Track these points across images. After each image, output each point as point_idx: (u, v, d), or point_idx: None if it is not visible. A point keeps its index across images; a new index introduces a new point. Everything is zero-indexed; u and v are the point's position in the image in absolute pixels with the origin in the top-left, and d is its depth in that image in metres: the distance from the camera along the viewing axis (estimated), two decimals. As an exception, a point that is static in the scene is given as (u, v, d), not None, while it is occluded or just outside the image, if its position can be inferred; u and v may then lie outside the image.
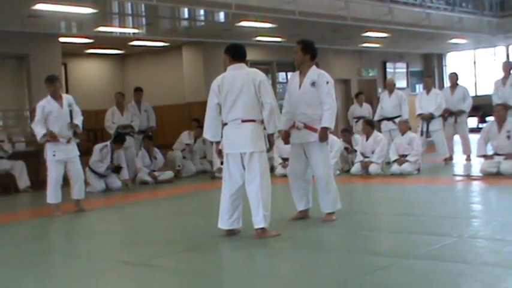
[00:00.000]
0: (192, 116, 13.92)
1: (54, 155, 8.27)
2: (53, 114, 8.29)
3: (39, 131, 8.25)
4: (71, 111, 8.45)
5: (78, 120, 8.56)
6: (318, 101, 6.59)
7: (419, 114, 12.23)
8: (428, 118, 12.04)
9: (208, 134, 6.29)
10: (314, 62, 6.77)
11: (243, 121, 6.02)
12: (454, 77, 12.61)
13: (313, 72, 6.66)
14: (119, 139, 11.48)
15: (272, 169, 10.16)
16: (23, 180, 11.37)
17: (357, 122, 14.35)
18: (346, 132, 12.26)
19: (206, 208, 8.75)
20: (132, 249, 6.15)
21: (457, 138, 12.90)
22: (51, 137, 8.20)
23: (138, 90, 13.04)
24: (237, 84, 6.04)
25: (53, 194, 8.24)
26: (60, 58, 13.18)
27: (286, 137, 6.81)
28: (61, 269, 5.49)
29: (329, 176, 6.70)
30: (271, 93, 6.04)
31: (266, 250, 5.67)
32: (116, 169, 11.13)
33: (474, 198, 8.29)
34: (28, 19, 11.30)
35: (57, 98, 8.39)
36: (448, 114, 12.33)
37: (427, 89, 12.39)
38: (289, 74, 18.25)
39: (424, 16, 16.30)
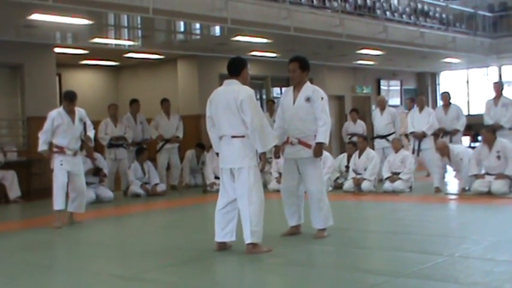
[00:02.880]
0: (186, 129, 13.87)
1: (61, 164, 8.23)
2: (62, 128, 8.25)
3: (41, 143, 8.25)
4: (84, 124, 8.46)
5: (91, 133, 8.64)
6: (312, 116, 6.60)
7: (412, 133, 12.26)
8: (420, 136, 12.07)
9: (213, 146, 6.37)
10: (308, 78, 6.80)
11: (233, 137, 6.03)
12: (446, 96, 12.64)
13: (308, 88, 6.68)
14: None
15: (265, 184, 10.16)
16: (14, 191, 11.30)
17: (350, 138, 14.36)
18: (353, 146, 11.99)
19: (198, 222, 8.73)
20: (123, 262, 6.13)
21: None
22: (59, 149, 8.17)
23: (135, 102, 13.01)
24: (223, 100, 6.05)
25: (58, 200, 8.13)
26: (54, 68, 13.17)
27: (277, 152, 6.82)
28: (48, 281, 5.44)
29: (322, 193, 6.70)
30: (254, 111, 5.93)
31: (257, 265, 5.65)
32: (96, 171, 11.03)
33: (465, 217, 8.30)
34: (23, 29, 11.30)
35: (70, 112, 8.35)
36: (443, 133, 12.33)
37: (420, 107, 12.43)
38: (284, 90, 18.31)
39: (418, 35, 16.42)
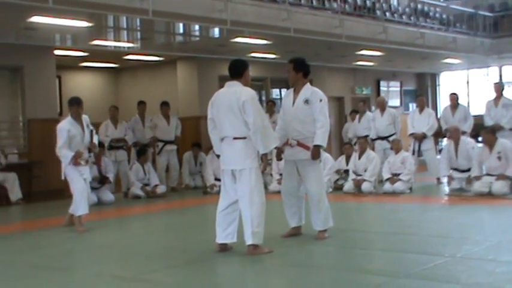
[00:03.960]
0: (185, 130, 13.89)
1: (82, 174, 8.16)
2: (76, 139, 8.15)
3: (67, 154, 8.03)
4: (91, 132, 8.41)
5: (96, 139, 8.61)
6: (311, 118, 6.61)
7: (412, 134, 12.25)
8: (420, 137, 12.06)
9: (214, 148, 6.40)
10: (307, 79, 6.81)
11: (234, 138, 6.04)
12: (454, 97, 12.44)
13: (307, 90, 6.69)
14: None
15: (266, 186, 10.16)
16: (15, 193, 11.31)
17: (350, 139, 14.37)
18: (348, 145, 12.15)
19: (199, 223, 8.74)
20: (124, 263, 6.13)
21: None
22: (78, 157, 8.14)
23: (142, 104, 13.05)
24: (225, 102, 6.06)
25: (82, 206, 8.08)
26: (54, 71, 13.18)
27: (279, 154, 6.83)
28: (49, 283, 5.44)
29: (321, 194, 6.70)
30: (256, 113, 5.95)
31: (259, 267, 5.65)
32: (103, 180, 11.09)
33: (466, 218, 8.28)
34: (23, 31, 11.30)
35: (78, 120, 8.29)
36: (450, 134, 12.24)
37: (420, 108, 12.41)
38: (283, 91, 18.33)
39: (418, 35, 16.42)
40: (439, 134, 12.73)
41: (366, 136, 12.47)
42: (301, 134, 6.63)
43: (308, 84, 6.77)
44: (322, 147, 6.63)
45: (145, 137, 12.73)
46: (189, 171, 13.38)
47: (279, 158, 6.93)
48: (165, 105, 13.06)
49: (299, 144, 6.62)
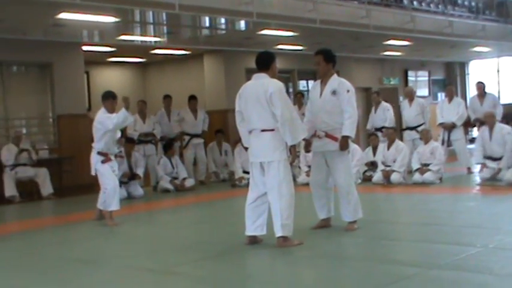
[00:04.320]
0: (212, 123, 13.93)
1: (113, 171, 8.22)
2: (109, 132, 8.17)
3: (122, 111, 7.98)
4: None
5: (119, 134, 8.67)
6: (338, 109, 6.57)
7: (441, 123, 12.11)
8: (449, 127, 11.92)
9: (243, 140, 6.43)
10: (334, 70, 6.77)
11: (262, 130, 6.04)
12: (481, 86, 12.32)
13: (334, 81, 6.65)
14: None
15: (294, 178, 10.13)
16: (46, 188, 11.47)
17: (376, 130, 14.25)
18: (374, 136, 12.06)
19: (228, 216, 8.75)
20: (154, 256, 6.16)
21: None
22: (103, 155, 8.14)
23: (167, 98, 13.11)
24: (253, 94, 6.06)
25: (114, 202, 8.14)
26: (83, 66, 13.29)
27: (307, 146, 6.81)
28: (81, 276, 5.50)
29: (350, 185, 6.68)
30: (284, 104, 5.95)
31: (289, 259, 5.65)
32: (132, 176, 11.17)
33: (498, 208, 8.16)
34: (52, 28, 11.41)
35: (112, 113, 8.23)
36: (479, 123, 12.03)
37: (449, 97, 12.26)
38: (310, 83, 18.27)
39: (446, 24, 16.21)
40: (468, 124, 12.55)
41: (383, 127, 12.33)
42: (329, 126, 6.60)
43: (335, 75, 6.74)
44: (350, 138, 6.59)
45: (171, 131, 12.79)
46: (215, 161, 13.37)
47: (307, 150, 6.93)
48: (192, 99, 13.10)
49: (327, 135, 6.60)
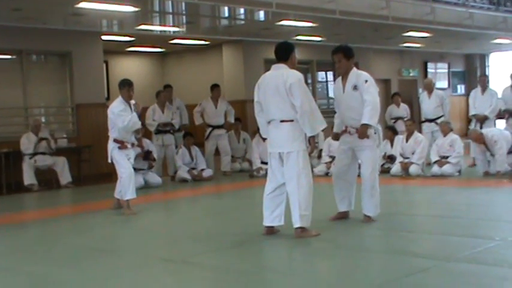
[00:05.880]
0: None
1: (129, 159, 8.26)
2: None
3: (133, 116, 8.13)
4: (139, 116, 8.36)
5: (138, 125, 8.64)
6: (362, 104, 6.50)
7: (474, 115, 11.95)
8: (482, 119, 11.76)
9: (261, 131, 6.44)
10: (353, 62, 6.71)
11: (281, 121, 6.03)
12: None
13: (353, 75, 6.59)
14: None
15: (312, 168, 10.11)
16: (65, 176, 11.54)
17: (394, 122, 14.21)
18: (389, 130, 11.96)
19: (245, 206, 8.76)
20: (171, 246, 6.20)
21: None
22: (120, 143, 8.17)
23: (168, 87, 12.96)
24: (272, 85, 6.05)
25: (130, 190, 8.16)
26: (102, 56, 13.32)
27: (336, 137, 6.81)
28: (98, 264, 5.54)
29: (375, 180, 6.63)
30: (303, 95, 5.93)
31: (306, 249, 5.65)
32: (146, 155, 11.03)
33: (517, 201, 8.12)
34: (71, 17, 11.46)
35: (128, 102, 8.29)
36: (509, 115, 11.90)
37: (482, 88, 12.06)
38: (329, 74, 18.23)
39: (467, 16, 16.04)
40: (498, 115, 12.31)
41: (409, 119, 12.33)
42: (358, 122, 6.51)
43: (354, 68, 6.67)
44: (370, 126, 6.52)
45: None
46: (233, 149, 13.22)
47: (336, 138, 6.89)
48: (216, 87, 12.92)
49: (358, 131, 6.53)
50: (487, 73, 23.46)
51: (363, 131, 6.47)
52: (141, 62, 18.08)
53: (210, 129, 12.74)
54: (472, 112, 12.02)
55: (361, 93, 6.49)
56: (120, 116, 8.09)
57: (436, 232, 6.31)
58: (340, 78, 6.77)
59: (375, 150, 6.68)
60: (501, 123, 12.74)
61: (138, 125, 8.32)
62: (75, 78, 12.71)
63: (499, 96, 12.03)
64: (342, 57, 6.60)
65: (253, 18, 13.54)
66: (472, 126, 12.01)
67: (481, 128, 11.64)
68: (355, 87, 6.52)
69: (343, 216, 6.82)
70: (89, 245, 6.44)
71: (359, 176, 6.75)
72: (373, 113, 6.46)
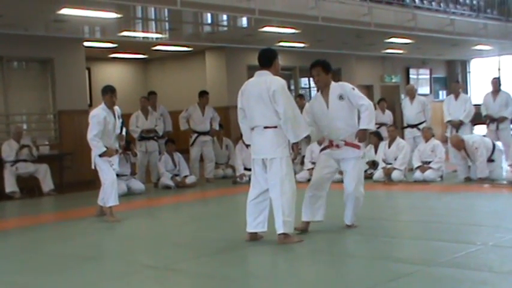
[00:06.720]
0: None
1: (112, 165, 8.21)
2: (109, 126, 8.21)
3: (100, 146, 8.03)
4: (122, 123, 8.40)
5: (124, 131, 8.65)
6: (350, 112, 6.50)
7: (449, 121, 12.06)
8: (457, 125, 11.86)
9: (244, 137, 6.41)
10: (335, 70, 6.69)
11: (265, 127, 6.03)
12: (496, 82, 12.10)
13: (335, 87, 6.55)
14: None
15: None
16: (47, 184, 11.46)
17: (378, 128, 14.25)
18: (374, 136, 11.81)
19: (229, 213, 8.76)
20: (154, 253, 6.18)
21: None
22: (109, 155, 8.16)
23: (152, 94, 12.92)
24: (255, 91, 6.06)
25: (112, 196, 8.13)
26: (84, 62, 13.28)
27: (320, 142, 6.81)
28: (81, 272, 5.50)
29: (359, 191, 6.56)
30: (286, 102, 5.93)
31: (290, 255, 5.66)
32: (127, 149, 10.81)
33: (497, 206, 8.14)
34: (53, 23, 11.41)
35: (112, 107, 8.31)
36: (490, 120, 11.96)
37: (455, 94, 12.19)
38: (312, 80, 18.25)
39: (448, 22, 16.20)
40: (478, 121, 12.40)
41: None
42: (347, 132, 6.49)
43: (332, 82, 6.62)
44: (369, 130, 6.53)
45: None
46: (216, 155, 13.13)
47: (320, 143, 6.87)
48: (205, 94, 12.85)
49: (347, 144, 6.48)
50: (468, 79, 23.74)
51: (362, 135, 6.45)
52: (124, 69, 18.03)
53: (195, 135, 12.71)
54: (447, 118, 12.12)
55: (349, 101, 6.46)
56: (90, 132, 8.07)
57: (418, 237, 6.35)
58: (318, 94, 6.71)
59: (360, 162, 6.64)
60: (481, 129, 12.85)
61: (97, 149, 8.11)
62: (57, 85, 12.65)
63: (475, 102, 12.15)
64: (320, 70, 6.56)
65: (236, 25, 13.57)
66: (448, 132, 12.10)
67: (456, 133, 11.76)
68: (341, 97, 6.47)
69: (307, 227, 6.56)
70: (72, 252, 6.40)
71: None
72: (371, 117, 6.47)
